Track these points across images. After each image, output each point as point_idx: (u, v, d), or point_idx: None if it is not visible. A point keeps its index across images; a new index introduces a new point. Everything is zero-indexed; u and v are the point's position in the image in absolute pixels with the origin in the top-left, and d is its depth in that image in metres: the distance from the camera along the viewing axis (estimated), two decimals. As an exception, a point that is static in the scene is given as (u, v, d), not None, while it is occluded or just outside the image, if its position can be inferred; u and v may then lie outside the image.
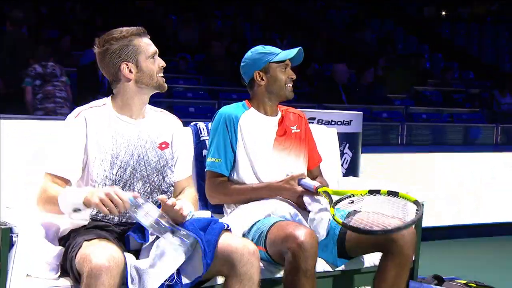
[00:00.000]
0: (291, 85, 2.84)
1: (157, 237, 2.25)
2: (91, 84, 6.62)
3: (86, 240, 2.17)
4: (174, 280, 2.23)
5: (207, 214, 2.54)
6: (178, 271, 2.25)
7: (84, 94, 6.53)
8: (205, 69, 8.64)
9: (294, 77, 2.85)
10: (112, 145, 2.34)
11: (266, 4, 12.47)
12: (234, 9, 12.25)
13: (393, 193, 2.56)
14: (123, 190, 2.31)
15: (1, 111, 4.21)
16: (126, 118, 2.39)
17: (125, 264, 2.14)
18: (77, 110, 2.36)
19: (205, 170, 2.81)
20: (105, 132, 2.34)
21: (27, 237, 2.16)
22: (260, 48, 2.85)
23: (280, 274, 2.60)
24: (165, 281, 2.21)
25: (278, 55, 2.82)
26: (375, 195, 2.58)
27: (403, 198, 2.54)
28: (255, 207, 2.70)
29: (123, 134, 2.36)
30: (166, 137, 2.46)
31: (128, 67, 2.33)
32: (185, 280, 2.25)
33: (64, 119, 2.37)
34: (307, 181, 2.70)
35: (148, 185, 2.39)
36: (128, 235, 2.28)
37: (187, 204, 2.38)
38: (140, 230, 2.26)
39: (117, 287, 2.09)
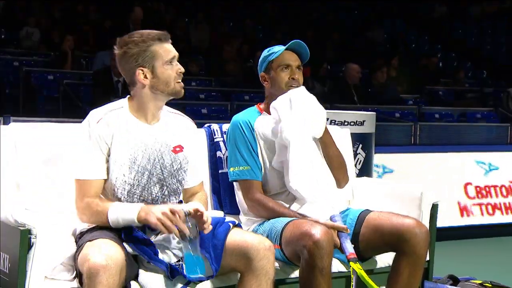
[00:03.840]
0: (294, 85, 2.72)
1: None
2: (106, 88, 6.69)
3: (88, 241, 2.19)
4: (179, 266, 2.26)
5: (219, 214, 2.56)
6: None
7: (99, 98, 6.63)
8: (217, 70, 8.67)
9: (296, 76, 2.74)
10: (130, 149, 2.34)
11: (276, 5, 12.47)
12: (245, 10, 12.27)
13: None
14: (141, 194, 2.34)
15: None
16: (142, 122, 2.38)
17: (128, 263, 2.16)
18: (98, 115, 2.33)
19: (230, 180, 2.77)
20: (123, 137, 2.33)
21: (45, 239, 2.18)
22: (265, 50, 2.80)
23: (295, 274, 2.60)
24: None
25: (276, 53, 2.76)
26: None
27: None
28: None
29: (141, 138, 2.36)
30: (180, 140, 2.45)
31: (143, 73, 2.31)
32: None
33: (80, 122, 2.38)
34: (347, 241, 2.59)
35: (165, 188, 2.40)
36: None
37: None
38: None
39: (118, 285, 2.09)
